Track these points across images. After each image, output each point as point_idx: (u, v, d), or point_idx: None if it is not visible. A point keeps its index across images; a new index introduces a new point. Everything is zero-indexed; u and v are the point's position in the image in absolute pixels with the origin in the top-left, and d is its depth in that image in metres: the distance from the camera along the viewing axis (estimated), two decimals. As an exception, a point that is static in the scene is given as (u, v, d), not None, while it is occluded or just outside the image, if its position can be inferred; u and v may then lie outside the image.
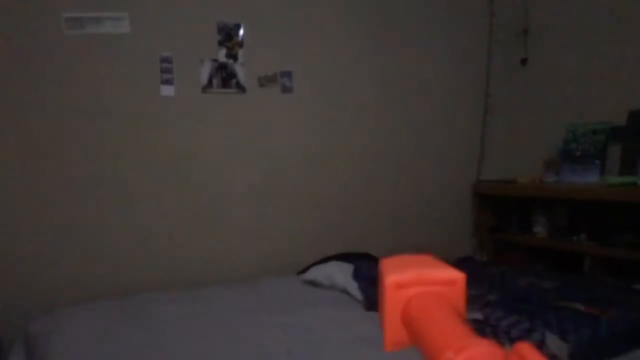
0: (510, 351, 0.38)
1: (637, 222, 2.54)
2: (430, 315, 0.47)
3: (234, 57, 2.58)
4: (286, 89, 2.73)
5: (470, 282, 1.96)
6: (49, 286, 2.23)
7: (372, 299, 1.98)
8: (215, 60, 2.54)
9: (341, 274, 2.32)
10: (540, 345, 1.56)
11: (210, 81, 2.53)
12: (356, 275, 2.29)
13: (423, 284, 0.50)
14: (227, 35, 2.55)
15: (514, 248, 3.15)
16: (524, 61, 3.22)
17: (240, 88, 2.61)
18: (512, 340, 1.58)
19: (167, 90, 2.44)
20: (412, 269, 0.51)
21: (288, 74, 2.72)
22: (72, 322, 1.83)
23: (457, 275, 0.50)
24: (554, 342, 1.58)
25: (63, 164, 2.26)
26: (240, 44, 2.58)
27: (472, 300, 1.94)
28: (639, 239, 2.49)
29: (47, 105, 2.22)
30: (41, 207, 2.24)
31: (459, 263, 2.93)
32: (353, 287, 2.17)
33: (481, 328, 1.67)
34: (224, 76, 2.56)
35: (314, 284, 2.37)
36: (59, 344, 1.63)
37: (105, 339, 1.66)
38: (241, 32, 2.58)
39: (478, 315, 1.75)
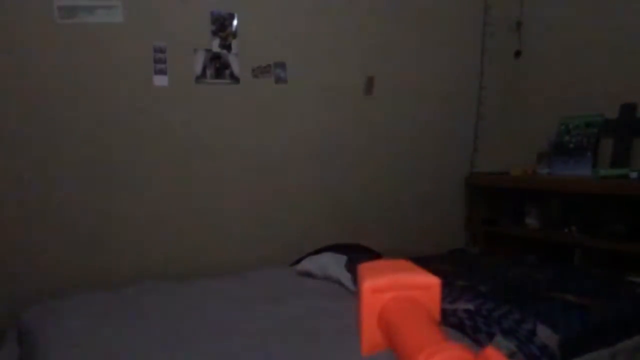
0: (479, 355, 0.39)
1: (628, 214, 2.56)
2: (405, 319, 0.48)
3: (228, 48, 2.56)
4: (280, 80, 2.72)
5: (463, 273, 1.98)
6: (41, 277, 2.23)
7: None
8: (208, 51, 2.52)
9: (334, 264, 2.33)
10: (531, 335, 1.58)
11: (203, 71, 2.52)
12: (349, 266, 2.30)
13: (399, 289, 0.51)
14: (221, 25, 2.53)
15: (506, 240, 3.18)
16: (517, 54, 3.23)
17: (234, 79, 2.60)
18: (503, 331, 1.60)
19: (160, 81, 2.43)
20: (389, 274, 0.52)
21: (282, 65, 2.71)
22: (65, 312, 1.83)
23: (432, 280, 0.51)
24: (544, 332, 1.60)
25: (55, 155, 2.25)
26: (234, 34, 2.57)
27: (464, 291, 1.96)
28: (629, 230, 2.51)
29: (39, 95, 2.20)
30: (35, 199, 2.22)
31: (452, 254, 2.96)
32: (346, 278, 2.18)
33: (473, 318, 1.68)
34: (218, 67, 2.55)
35: (307, 275, 2.37)
36: (52, 334, 1.63)
37: (97, 329, 1.66)
38: (235, 22, 2.57)
39: (469, 306, 1.76)
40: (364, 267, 0.56)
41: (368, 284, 0.51)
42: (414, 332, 0.45)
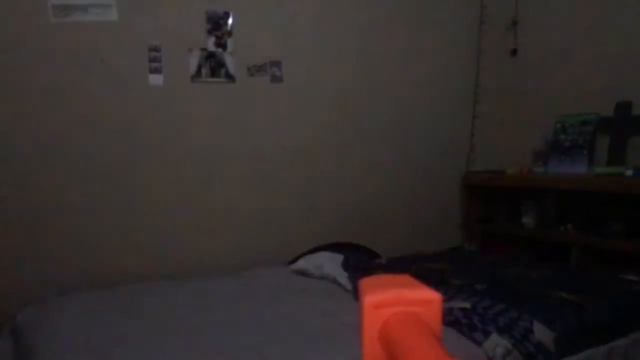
0: None
1: (624, 212, 2.57)
2: (407, 335, 0.48)
3: (223, 46, 2.55)
4: (276, 79, 2.71)
5: (459, 271, 1.97)
6: (36, 277, 2.21)
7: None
8: (204, 49, 2.51)
9: (331, 263, 2.32)
10: (527, 333, 1.58)
11: (199, 70, 2.51)
12: (346, 265, 2.30)
13: (400, 304, 0.51)
14: (216, 24, 2.53)
15: (502, 238, 3.18)
16: (513, 52, 3.23)
17: (230, 77, 2.59)
18: (499, 329, 1.60)
19: (155, 80, 2.42)
20: (390, 289, 0.53)
21: (278, 64, 2.70)
22: (60, 312, 1.82)
23: (433, 296, 0.52)
24: (540, 330, 1.60)
25: (49, 154, 2.24)
26: (230, 33, 2.56)
27: (460, 290, 1.96)
28: (625, 229, 2.51)
29: (33, 94, 2.19)
30: (28, 198, 2.21)
31: (448, 253, 2.96)
32: (343, 277, 2.18)
33: (469, 316, 1.68)
34: (213, 65, 2.54)
35: (303, 274, 2.37)
36: (47, 334, 1.62)
37: (93, 329, 1.66)
38: (230, 20, 2.56)
39: (466, 304, 1.76)
40: (365, 282, 0.56)
41: (369, 299, 0.52)
42: (417, 348, 0.45)
